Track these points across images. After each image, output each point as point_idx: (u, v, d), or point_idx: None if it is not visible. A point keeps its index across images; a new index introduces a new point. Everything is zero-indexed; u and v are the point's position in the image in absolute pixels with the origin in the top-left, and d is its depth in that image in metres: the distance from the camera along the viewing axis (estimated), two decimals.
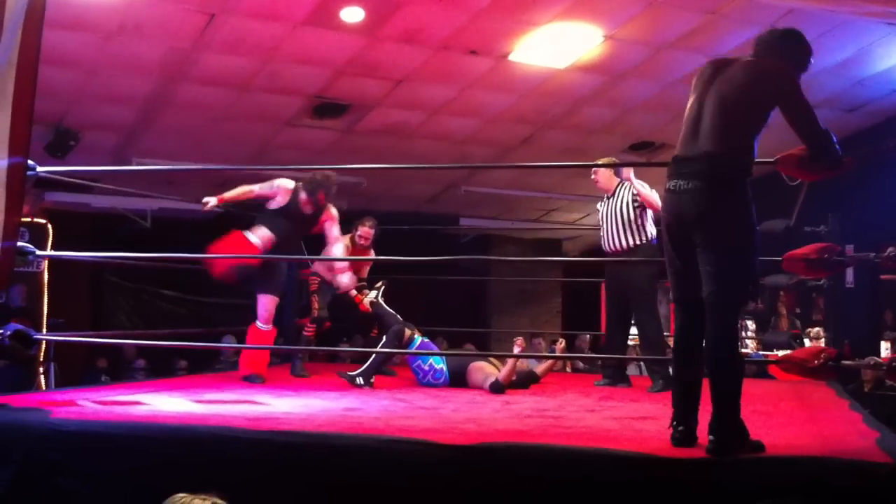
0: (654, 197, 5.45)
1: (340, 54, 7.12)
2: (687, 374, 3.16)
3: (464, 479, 2.92)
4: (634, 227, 5.60)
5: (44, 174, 4.16)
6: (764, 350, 8.35)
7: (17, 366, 7.04)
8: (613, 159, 5.95)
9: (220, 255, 5.50)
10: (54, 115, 7.60)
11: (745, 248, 3.05)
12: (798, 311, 10.56)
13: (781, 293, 10.31)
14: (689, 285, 3.13)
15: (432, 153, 9.01)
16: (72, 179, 5.39)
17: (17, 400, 3.99)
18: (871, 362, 5.25)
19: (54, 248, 7.27)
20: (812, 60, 3.28)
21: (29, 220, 7.32)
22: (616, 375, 5.83)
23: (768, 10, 6.58)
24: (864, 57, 7.60)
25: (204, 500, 2.04)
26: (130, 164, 8.43)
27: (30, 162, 3.73)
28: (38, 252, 4.37)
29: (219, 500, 2.06)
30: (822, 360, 3.71)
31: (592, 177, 5.86)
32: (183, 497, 2.04)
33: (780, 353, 5.79)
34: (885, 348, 9.02)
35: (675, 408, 3.12)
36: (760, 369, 7.47)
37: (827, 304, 7.89)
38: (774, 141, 3.34)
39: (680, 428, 3.06)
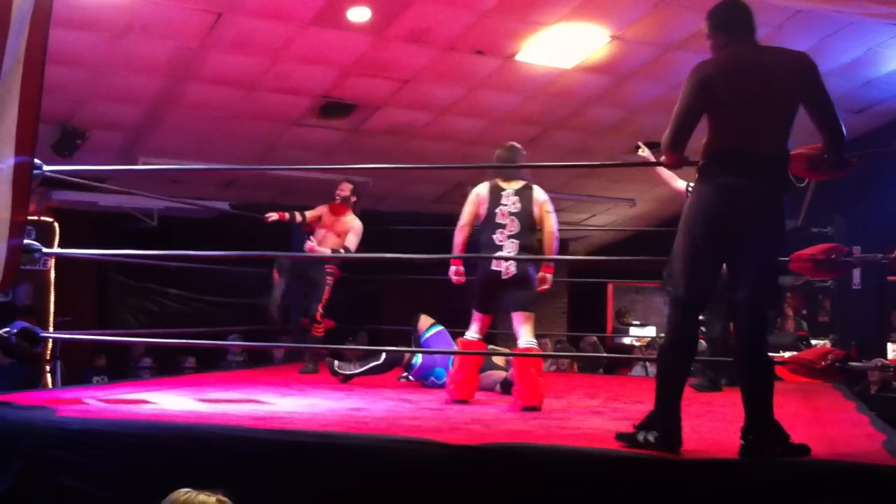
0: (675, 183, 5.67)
1: (347, 54, 7.12)
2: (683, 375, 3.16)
3: (469, 479, 2.92)
4: None
5: (50, 173, 4.16)
6: (770, 351, 8.32)
7: (24, 364, 7.06)
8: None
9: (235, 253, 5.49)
10: (61, 114, 7.61)
11: (783, 252, 3.07)
12: (804, 312, 10.53)
13: (788, 294, 10.28)
14: (703, 287, 3.11)
15: (439, 153, 9.00)
16: (78, 179, 5.38)
17: (22, 398, 4.00)
18: (878, 364, 5.25)
19: (61, 246, 7.28)
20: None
21: (35, 218, 7.32)
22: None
23: (775, 11, 6.55)
24: (871, 58, 7.58)
25: (208, 496, 2.04)
26: (137, 164, 8.43)
27: (36, 161, 3.75)
28: (45, 250, 4.38)
29: (223, 498, 2.06)
30: (828, 362, 3.70)
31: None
32: (187, 492, 2.04)
33: (787, 354, 5.78)
34: (891, 350, 9.01)
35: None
36: None
37: (833, 306, 7.87)
38: None
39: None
